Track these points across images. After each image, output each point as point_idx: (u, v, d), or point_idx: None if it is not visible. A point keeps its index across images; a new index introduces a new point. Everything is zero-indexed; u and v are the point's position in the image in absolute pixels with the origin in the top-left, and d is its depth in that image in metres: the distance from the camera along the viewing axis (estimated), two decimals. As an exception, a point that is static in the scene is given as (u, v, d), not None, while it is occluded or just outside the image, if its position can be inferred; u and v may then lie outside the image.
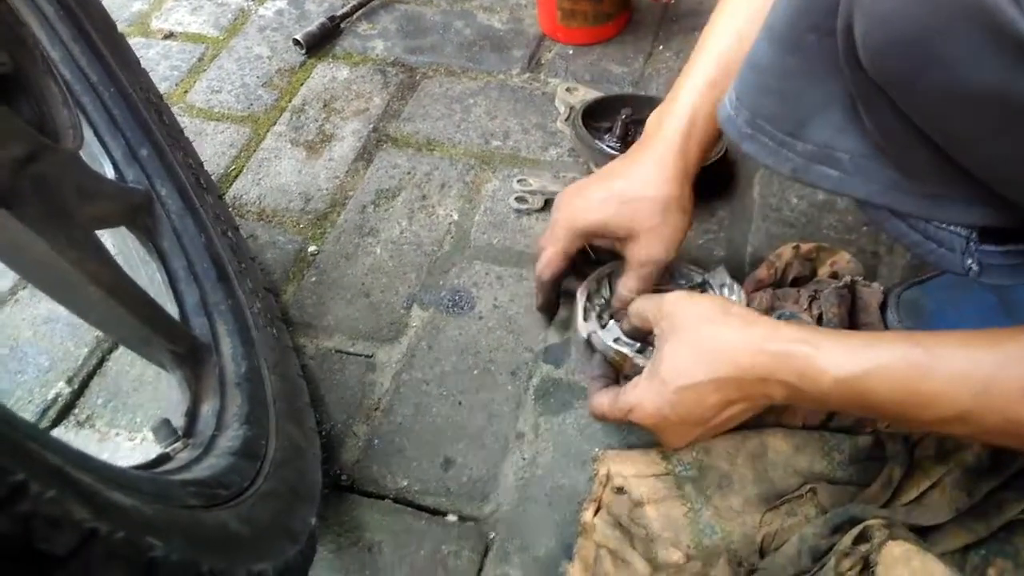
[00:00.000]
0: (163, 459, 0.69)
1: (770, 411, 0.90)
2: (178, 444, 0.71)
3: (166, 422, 0.72)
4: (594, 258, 0.97)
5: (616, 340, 0.89)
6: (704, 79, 0.84)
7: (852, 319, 0.94)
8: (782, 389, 0.70)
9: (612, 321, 0.92)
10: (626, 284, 0.90)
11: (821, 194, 1.14)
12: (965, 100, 0.51)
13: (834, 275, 1.00)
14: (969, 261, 0.69)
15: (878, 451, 0.86)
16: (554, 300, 1.00)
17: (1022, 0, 0.43)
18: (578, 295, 0.95)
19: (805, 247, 1.01)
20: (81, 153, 0.94)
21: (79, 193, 0.72)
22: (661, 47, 1.40)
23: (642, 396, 0.76)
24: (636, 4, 1.46)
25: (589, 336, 0.91)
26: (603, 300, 0.97)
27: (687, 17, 1.45)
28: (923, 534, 0.80)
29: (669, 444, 0.84)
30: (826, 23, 0.62)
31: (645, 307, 0.83)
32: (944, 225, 0.70)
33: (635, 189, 0.86)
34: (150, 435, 0.91)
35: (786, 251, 1.01)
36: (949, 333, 0.62)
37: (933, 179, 0.65)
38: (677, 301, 0.78)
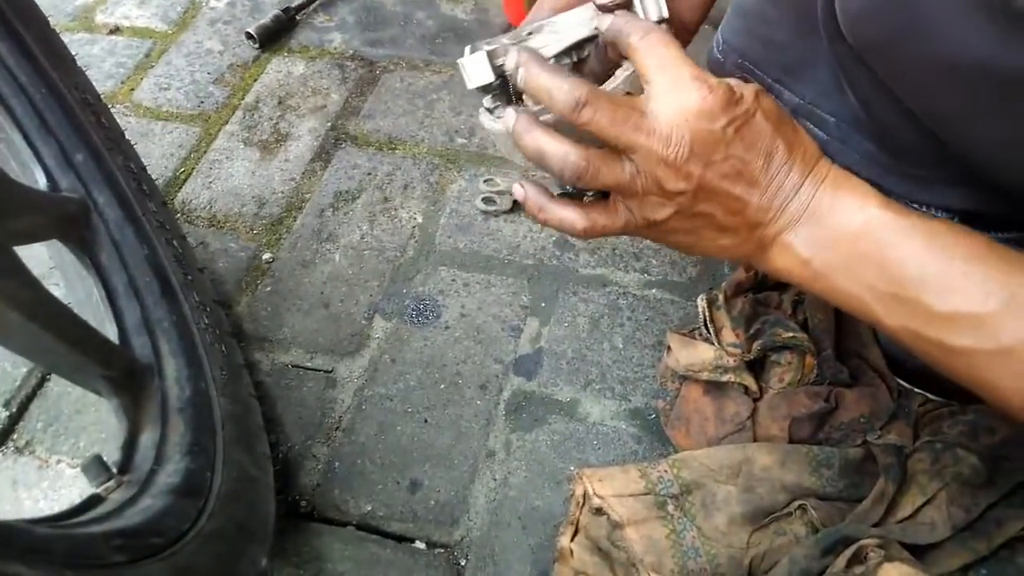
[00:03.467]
0: (94, 501, 0.62)
1: (750, 425, 0.86)
2: (111, 483, 0.64)
3: (97, 458, 0.65)
4: None
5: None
6: None
7: (839, 323, 0.89)
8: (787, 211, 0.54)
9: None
10: None
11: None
12: (948, 72, 0.47)
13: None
14: None
15: (869, 464, 0.81)
16: None
17: None
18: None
19: (787, 247, 0.96)
20: (10, 160, 0.88)
21: (-5, 207, 0.65)
22: (632, 37, 1.35)
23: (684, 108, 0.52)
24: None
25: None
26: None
27: None
28: (920, 553, 0.76)
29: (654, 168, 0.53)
30: None
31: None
32: (925, 208, 0.66)
33: None
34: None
35: (767, 251, 0.96)
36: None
37: (915, 158, 0.62)
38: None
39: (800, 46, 0.64)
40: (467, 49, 0.58)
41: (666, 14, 0.56)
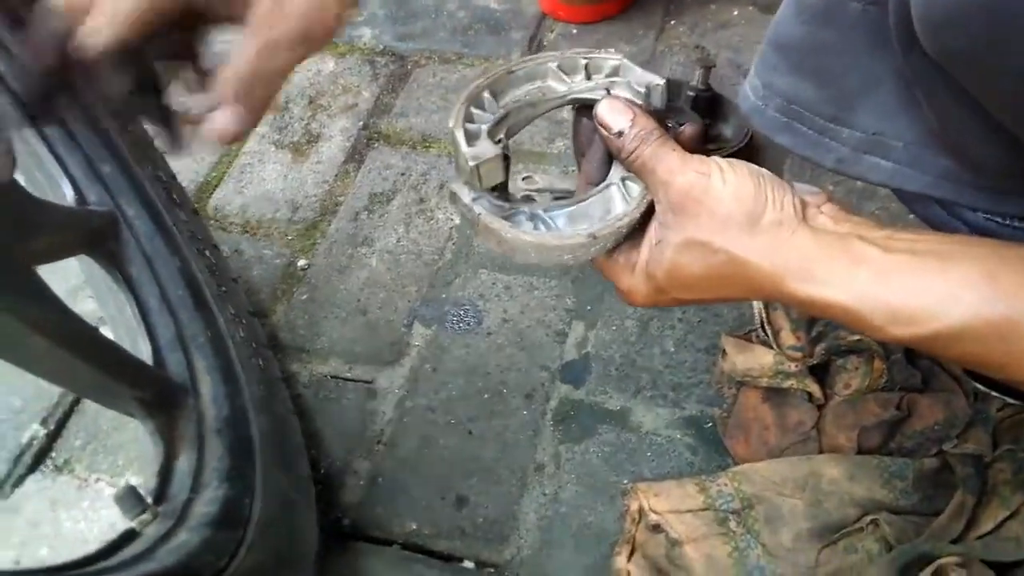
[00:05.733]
0: (129, 536, 0.59)
1: (815, 435, 0.81)
2: (146, 515, 0.61)
3: (132, 490, 0.62)
4: None
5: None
6: None
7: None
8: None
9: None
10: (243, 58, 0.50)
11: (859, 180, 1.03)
12: None
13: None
14: None
15: (946, 475, 0.76)
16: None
17: None
18: (451, 124, 0.56)
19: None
20: (36, 174, 0.85)
21: (17, 228, 0.62)
22: (673, 21, 1.29)
23: (634, 289, 0.58)
24: (642, -24, 1.34)
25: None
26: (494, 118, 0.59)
27: (699, -12, 1.34)
28: (1003, 572, 0.70)
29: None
30: None
31: (648, 165, 0.55)
32: (1008, 222, 0.61)
33: None
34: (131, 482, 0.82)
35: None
36: None
37: (996, 171, 0.57)
38: (692, 192, 0.53)
39: (863, 69, 0.59)
40: (459, 136, 0.55)
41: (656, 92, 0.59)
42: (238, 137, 0.52)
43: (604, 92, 0.59)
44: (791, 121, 0.64)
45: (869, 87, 0.59)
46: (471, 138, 0.55)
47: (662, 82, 0.58)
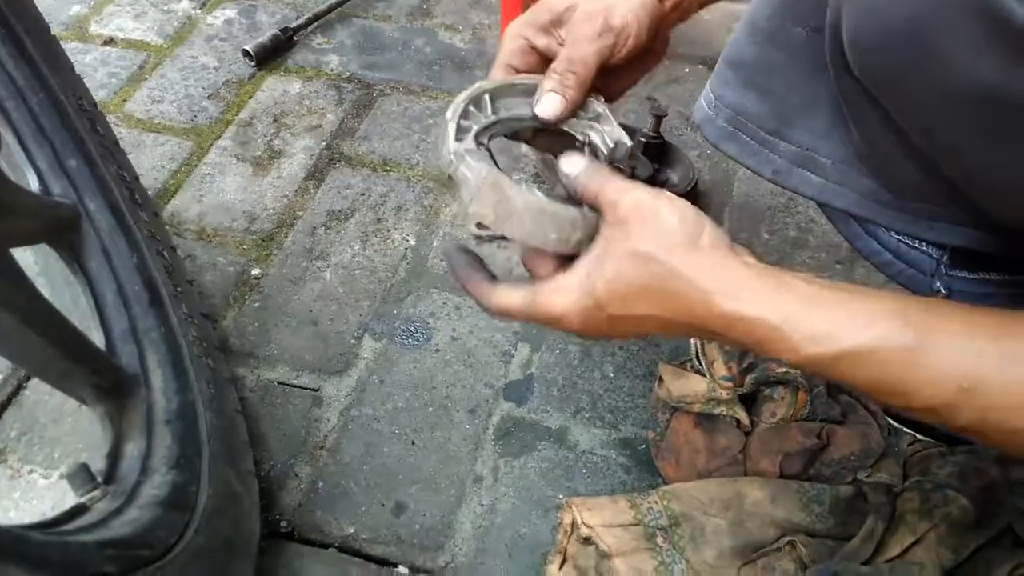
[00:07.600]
0: (79, 511, 0.60)
1: (741, 459, 0.86)
2: (96, 492, 0.62)
3: (83, 467, 0.63)
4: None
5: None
6: None
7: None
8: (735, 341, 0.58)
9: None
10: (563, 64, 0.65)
11: (793, 230, 1.10)
12: (955, 99, 0.48)
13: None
14: (937, 284, 0.67)
15: (859, 502, 0.81)
16: None
17: None
18: (448, 116, 0.61)
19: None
20: (2, 162, 0.86)
21: (-7, 207, 0.64)
22: (627, 73, 1.36)
23: (570, 310, 0.59)
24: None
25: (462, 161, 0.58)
26: (486, 122, 0.64)
27: (653, 43, 1.41)
28: (908, 593, 0.75)
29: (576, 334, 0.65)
30: (814, 18, 0.59)
31: (599, 189, 0.59)
32: (916, 244, 0.67)
33: None
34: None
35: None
36: (952, 312, 0.51)
37: (914, 193, 0.63)
38: (640, 207, 0.56)
39: (803, 89, 0.65)
40: (451, 128, 0.59)
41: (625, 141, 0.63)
42: None
43: (581, 134, 0.65)
44: (737, 131, 0.69)
45: (807, 106, 0.64)
46: (461, 132, 0.59)
47: (630, 144, 0.62)
